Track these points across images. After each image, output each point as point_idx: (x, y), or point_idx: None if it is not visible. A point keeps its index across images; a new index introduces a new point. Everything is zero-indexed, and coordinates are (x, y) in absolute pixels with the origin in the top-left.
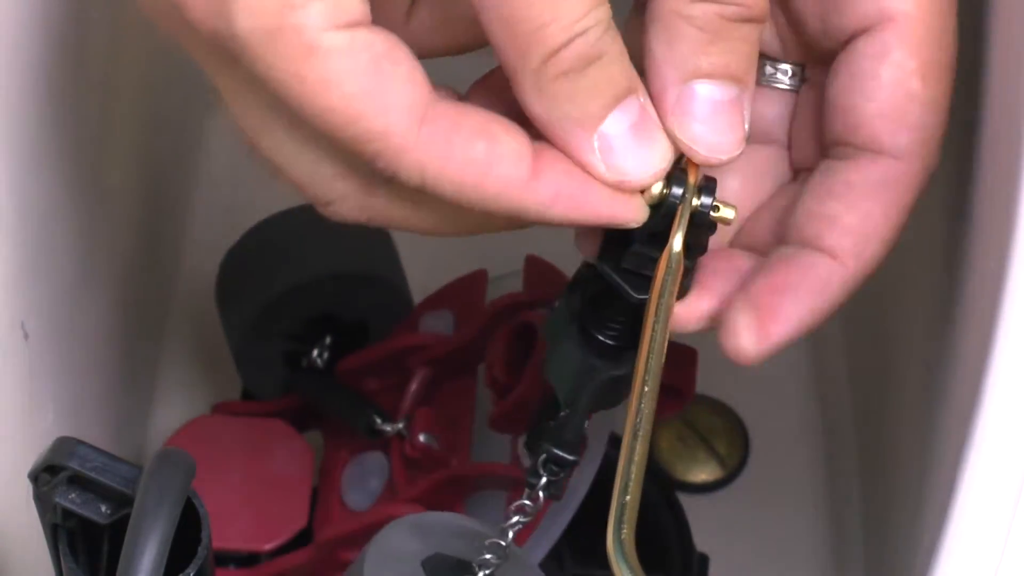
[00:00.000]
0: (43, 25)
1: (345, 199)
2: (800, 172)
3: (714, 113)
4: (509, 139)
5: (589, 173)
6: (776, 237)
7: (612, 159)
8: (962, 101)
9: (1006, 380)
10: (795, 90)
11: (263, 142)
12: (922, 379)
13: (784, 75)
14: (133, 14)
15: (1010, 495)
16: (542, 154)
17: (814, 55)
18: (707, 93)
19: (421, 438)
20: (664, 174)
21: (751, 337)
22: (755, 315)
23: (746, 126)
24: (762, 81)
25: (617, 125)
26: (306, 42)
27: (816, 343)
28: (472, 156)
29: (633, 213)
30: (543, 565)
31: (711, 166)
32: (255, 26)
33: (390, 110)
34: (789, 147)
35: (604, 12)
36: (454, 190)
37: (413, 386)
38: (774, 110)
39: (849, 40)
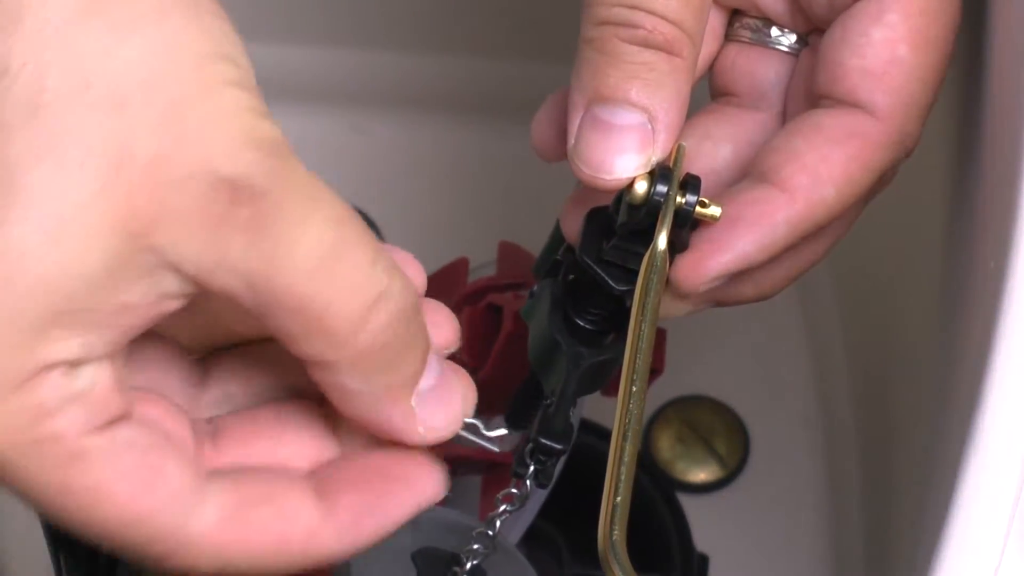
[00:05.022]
0: None
1: None
2: None
3: (603, 135)
4: (293, 490)
5: (404, 441)
6: None
7: (427, 416)
8: (962, 100)
9: (1006, 380)
10: (795, 54)
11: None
12: (922, 378)
13: (787, 39)
14: None
15: (1010, 495)
16: (327, 487)
17: (819, 25)
18: (600, 115)
19: None
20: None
21: (687, 264)
22: (695, 244)
23: (652, 156)
24: (764, 42)
25: (428, 380)
26: (67, 450)
27: (816, 343)
28: (267, 523)
29: (435, 490)
30: (542, 564)
31: (596, 187)
32: (10, 441)
33: (168, 508)
34: (784, 112)
35: (389, 262)
36: (254, 563)
37: None
38: (773, 73)
39: (850, 6)
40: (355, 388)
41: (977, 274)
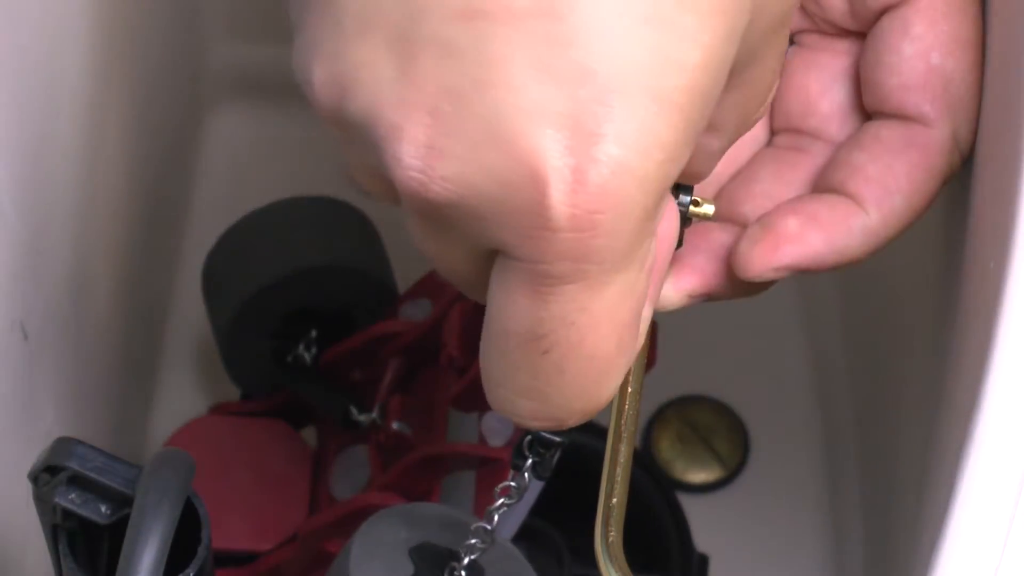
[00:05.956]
0: (42, 27)
1: None
2: (777, 134)
3: None
4: None
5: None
6: (755, 205)
7: None
8: None
9: (1006, 380)
10: None
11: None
12: (922, 379)
13: None
14: (125, 13)
15: (1010, 495)
16: None
17: (837, 33)
18: None
19: (394, 426)
20: None
21: (759, 250)
22: (771, 232)
23: None
24: None
25: None
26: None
27: (816, 343)
28: None
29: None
30: (542, 564)
31: None
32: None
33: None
34: (770, 113)
35: None
36: None
37: (387, 374)
38: None
39: (875, 21)
40: None
41: (977, 274)
